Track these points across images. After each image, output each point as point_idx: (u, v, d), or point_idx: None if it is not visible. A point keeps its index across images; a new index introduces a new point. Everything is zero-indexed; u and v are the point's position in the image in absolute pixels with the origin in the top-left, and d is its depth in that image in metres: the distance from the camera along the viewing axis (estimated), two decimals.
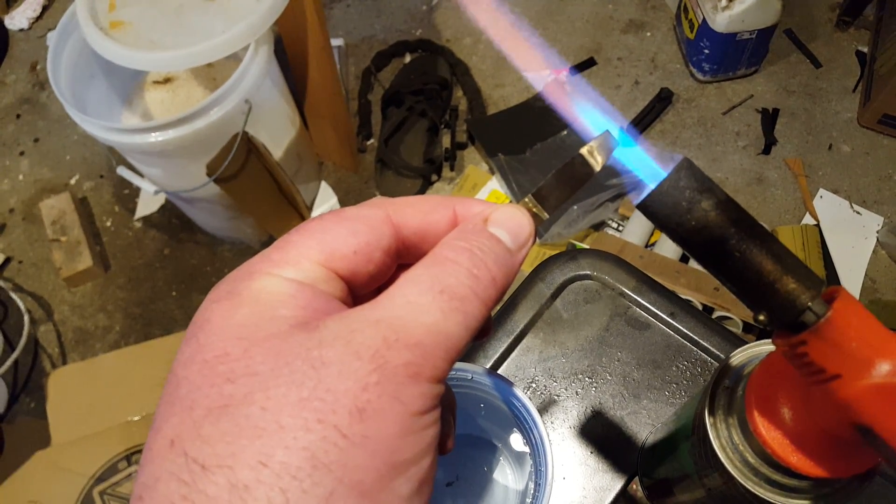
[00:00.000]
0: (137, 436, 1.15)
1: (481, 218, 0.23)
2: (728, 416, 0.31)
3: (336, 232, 0.21)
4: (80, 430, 1.17)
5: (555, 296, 0.57)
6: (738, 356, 0.33)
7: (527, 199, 0.24)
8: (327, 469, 0.17)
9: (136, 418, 1.17)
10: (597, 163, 0.24)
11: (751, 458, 0.30)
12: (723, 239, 0.24)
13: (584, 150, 0.24)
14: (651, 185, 0.24)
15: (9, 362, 1.25)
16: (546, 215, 0.25)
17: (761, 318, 0.25)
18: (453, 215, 0.24)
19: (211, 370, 0.18)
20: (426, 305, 0.19)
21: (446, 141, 1.53)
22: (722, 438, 0.31)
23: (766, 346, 0.32)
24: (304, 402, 0.17)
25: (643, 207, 0.25)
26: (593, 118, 0.27)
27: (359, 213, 0.22)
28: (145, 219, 1.52)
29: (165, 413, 0.18)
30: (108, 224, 1.52)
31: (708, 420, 0.31)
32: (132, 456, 1.15)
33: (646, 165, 0.25)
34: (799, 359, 0.24)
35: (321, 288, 0.20)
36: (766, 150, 1.48)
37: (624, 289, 0.56)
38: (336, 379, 0.18)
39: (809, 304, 0.23)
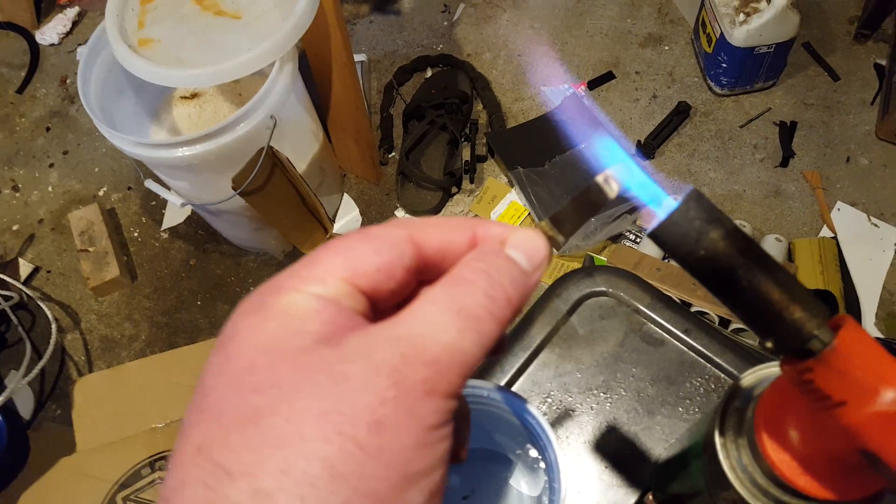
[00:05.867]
0: (161, 443, 1.17)
1: (499, 240, 0.24)
2: (738, 437, 0.32)
3: (361, 250, 0.22)
4: (104, 436, 1.19)
5: (571, 312, 0.58)
6: (749, 377, 0.34)
7: (544, 224, 0.25)
8: (344, 479, 0.18)
9: (160, 425, 1.19)
10: (611, 191, 0.26)
11: (760, 480, 0.30)
12: (731, 268, 0.25)
13: (599, 178, 0.26)
14: (661, 215, 0.26)
15: (36, 370, 1.28)
16: (562, 239, 0.26)
17: (768, 344, 0.26)
18: (473, 236, 0.24)
19: (239, 381, 0.19)
20: (444, 324, 0.20)
21: (466, 154, 1.54)
22: (732, 459, 0.32)
23: (776, 368, 0.33)
24: (326, 415, 0.18)
25: (654, 237, 0.26)
26: (606, 143, 0.28)
27: (383, 233, 0.23)
28: (172, 230, 1.55)
29: (194, 420, 0.19)
30: (136, 235, 1.56)
31: (718, 440, 0.32)
32: (156, 462, 1.17)
33: (656, 195, 0.26)
34: (805, 385, 0.25)
35: (345, 303, 0.21)
36: (784, 163, 1.48)
37: (639, 305, 0.57)
38: (356, 393, 0.19)
39: (815, 332, 0.24)
